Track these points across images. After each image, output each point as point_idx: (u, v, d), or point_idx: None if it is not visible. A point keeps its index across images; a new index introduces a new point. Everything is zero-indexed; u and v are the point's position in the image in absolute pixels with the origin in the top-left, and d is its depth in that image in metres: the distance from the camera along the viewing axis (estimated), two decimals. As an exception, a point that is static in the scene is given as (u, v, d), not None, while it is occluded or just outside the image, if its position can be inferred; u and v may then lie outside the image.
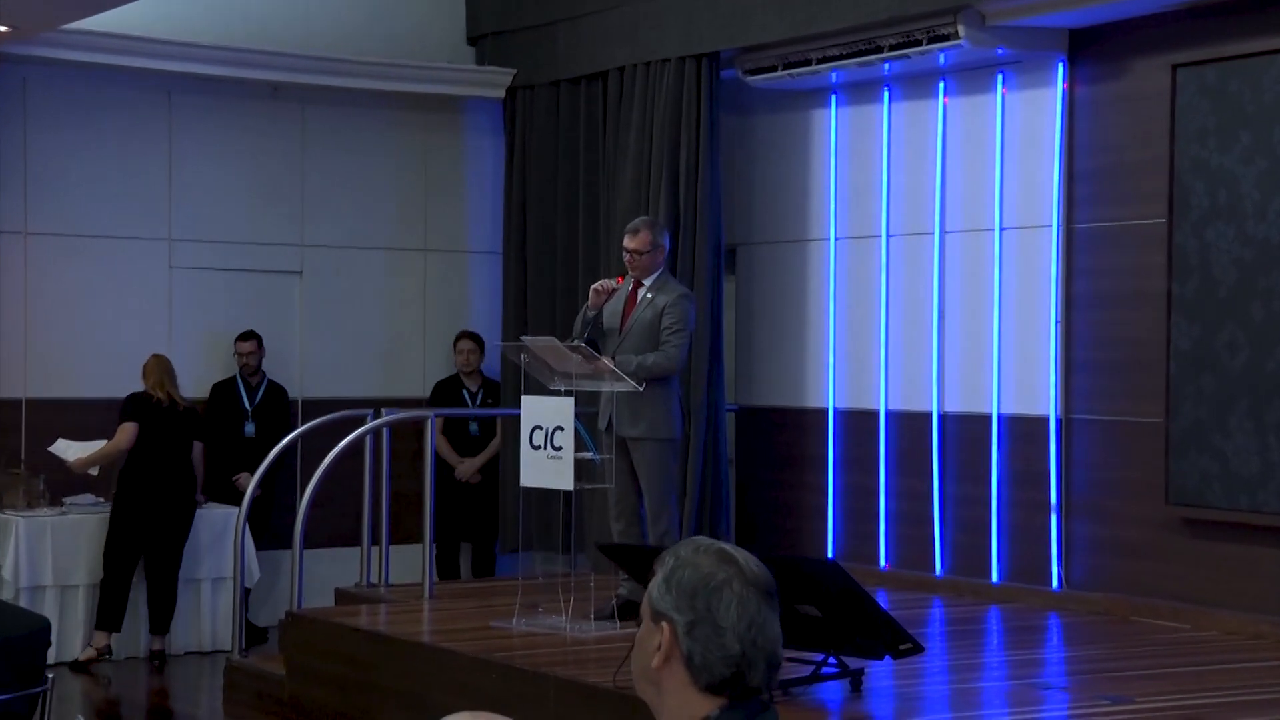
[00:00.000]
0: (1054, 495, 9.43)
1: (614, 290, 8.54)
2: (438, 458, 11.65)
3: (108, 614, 10.51)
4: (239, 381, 11.39)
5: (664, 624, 2.75)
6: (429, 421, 9.83)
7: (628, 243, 8.59)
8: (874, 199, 10.40)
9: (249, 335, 11.40)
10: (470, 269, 12.32)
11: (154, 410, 10.61)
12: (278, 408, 11.45)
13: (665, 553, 2.81)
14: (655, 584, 2.77)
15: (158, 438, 10.61)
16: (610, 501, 8.61)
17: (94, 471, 10.73)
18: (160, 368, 10.70)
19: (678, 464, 8.89)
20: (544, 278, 11.58)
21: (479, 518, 11.77)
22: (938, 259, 10.02)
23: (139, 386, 10.71)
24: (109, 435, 10.67)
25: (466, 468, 11.71)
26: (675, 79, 10.62)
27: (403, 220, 12.13)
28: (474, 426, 11.77)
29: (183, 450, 10.73)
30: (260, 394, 11.42)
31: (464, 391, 11.83)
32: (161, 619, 10.67)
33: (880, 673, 7.08)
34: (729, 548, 2.79)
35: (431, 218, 12.22)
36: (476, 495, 11.74)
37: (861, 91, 10.45)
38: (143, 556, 10.61)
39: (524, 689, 7.26)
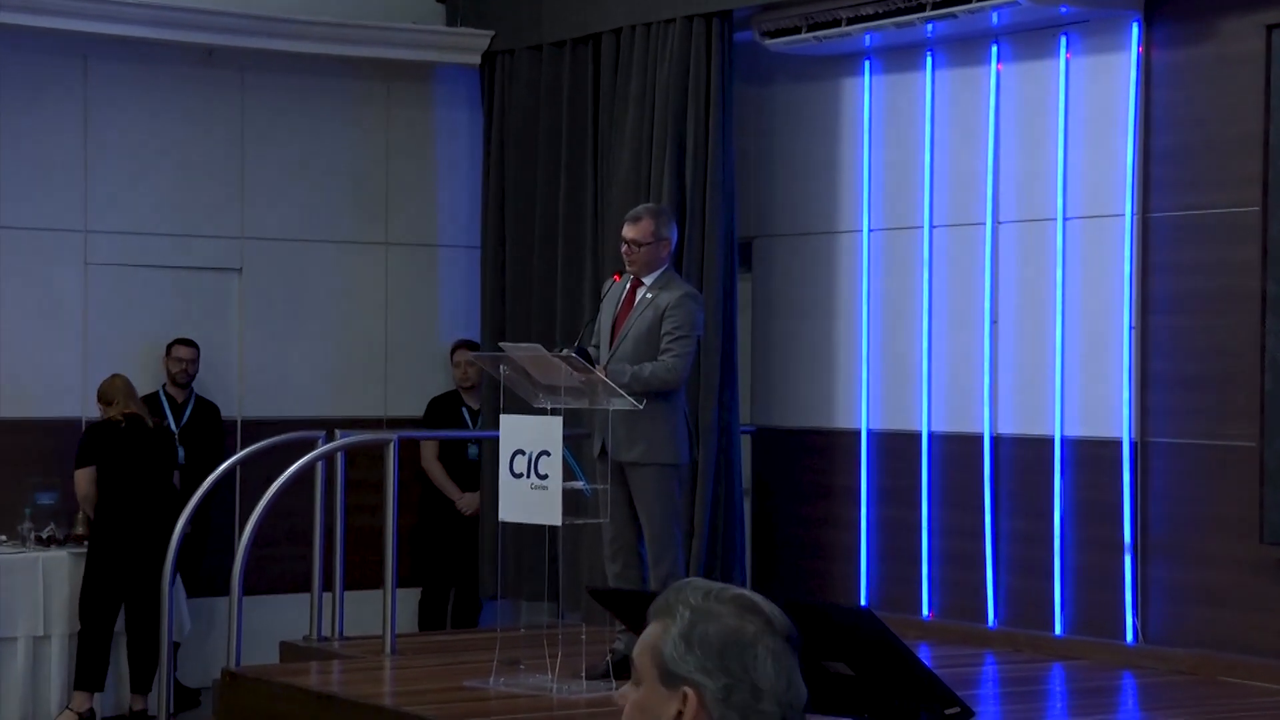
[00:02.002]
0: (1128, 533, 9.42)
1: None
2: (435, 489, 11.63)
3: (87, 672, 10.56)
4: (162, 398, 11.30)
5: (687, 690, 2.69)
6: (390, 445, 9.79)
7: (626, 232, 8.59)
8: (914, 183, 10.41)
9: (188, 342, 11.33)
10: (444, 266, 12.26)
11: (119, 439, 10.63)
12: (208, 429, 11.39)
13: (662, 598, 2.77)
14: (669, 641, 2.71)
15: (130, 469, 10.65)
16: (605, 539, 8.59)
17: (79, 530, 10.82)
18: (121, 389, 10.71)
19: (683, 494, 8.89)
20: (526, 277, 11.52)
21: (465, 557, 11.65)
22: (990, 254, 10.03)
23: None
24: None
25: (469, 501, 11.62)
26: (681, 42, 10.60)
27: (361, 209, 12.10)
28: (473, 450, 11.69)
29: (162, 478, 10.79)
30: (187, 414, 11.33)
31: (463, 410, 11.77)
32: (144, 675, 10.66)
33: (924, 742, 7.01)
34: (745, 592, 2.76)
35: (396, 206, 12.17)
36: (465, 531, 11.63)
37: (900, 57, 10.46)
38: (123, 605, 10.64)
39: (502, 761, 7.23)
